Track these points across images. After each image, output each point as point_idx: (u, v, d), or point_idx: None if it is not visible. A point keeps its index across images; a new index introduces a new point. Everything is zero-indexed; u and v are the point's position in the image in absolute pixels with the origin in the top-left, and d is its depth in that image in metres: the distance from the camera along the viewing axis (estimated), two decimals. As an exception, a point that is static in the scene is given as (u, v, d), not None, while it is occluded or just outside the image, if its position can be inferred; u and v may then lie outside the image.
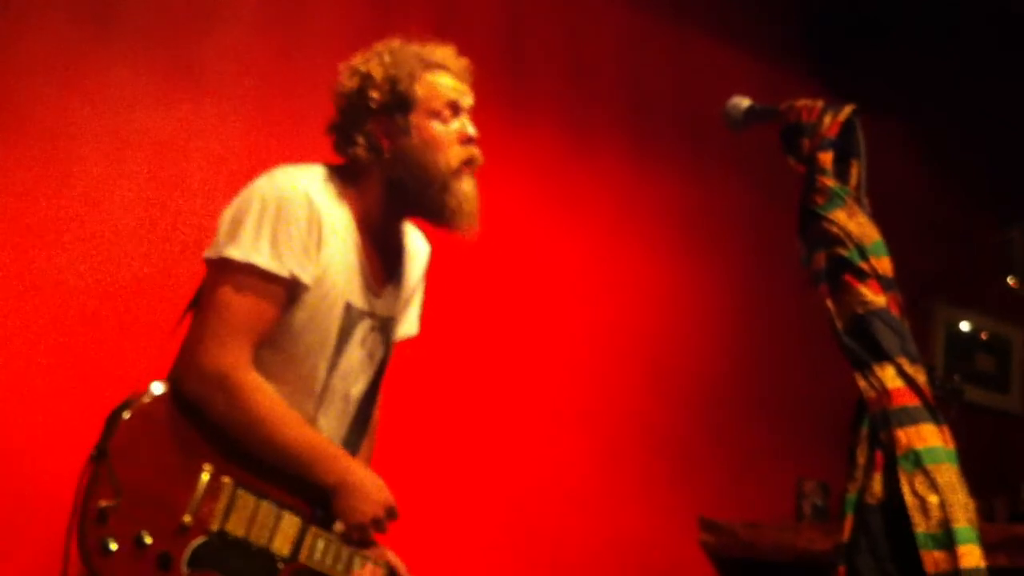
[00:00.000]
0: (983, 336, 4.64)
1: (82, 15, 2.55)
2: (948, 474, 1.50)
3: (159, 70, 2.65)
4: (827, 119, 1.70)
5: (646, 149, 3.70)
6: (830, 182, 1.67)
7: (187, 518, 1.78)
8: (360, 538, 1.97)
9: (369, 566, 2.01)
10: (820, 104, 1.72)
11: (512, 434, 3.16)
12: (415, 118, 2.03)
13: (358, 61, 2.07)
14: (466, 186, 2.06)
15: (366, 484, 1.96)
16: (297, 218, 1.89)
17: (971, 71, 4.51)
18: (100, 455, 1.72)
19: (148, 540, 1.73)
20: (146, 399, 1.80)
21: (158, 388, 1.83)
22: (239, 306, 1.87)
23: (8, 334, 2.35)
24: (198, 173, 2.62)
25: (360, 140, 2.03)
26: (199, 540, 1.79)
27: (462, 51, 2.16)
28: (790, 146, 1.74)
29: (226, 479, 1.83)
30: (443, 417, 3.05)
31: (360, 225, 2.03)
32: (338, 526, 1.95)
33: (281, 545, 1.89)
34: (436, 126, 2.05)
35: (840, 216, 1.66)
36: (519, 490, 3.16)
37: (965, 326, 4.57)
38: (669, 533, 3.47)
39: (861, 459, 1.57)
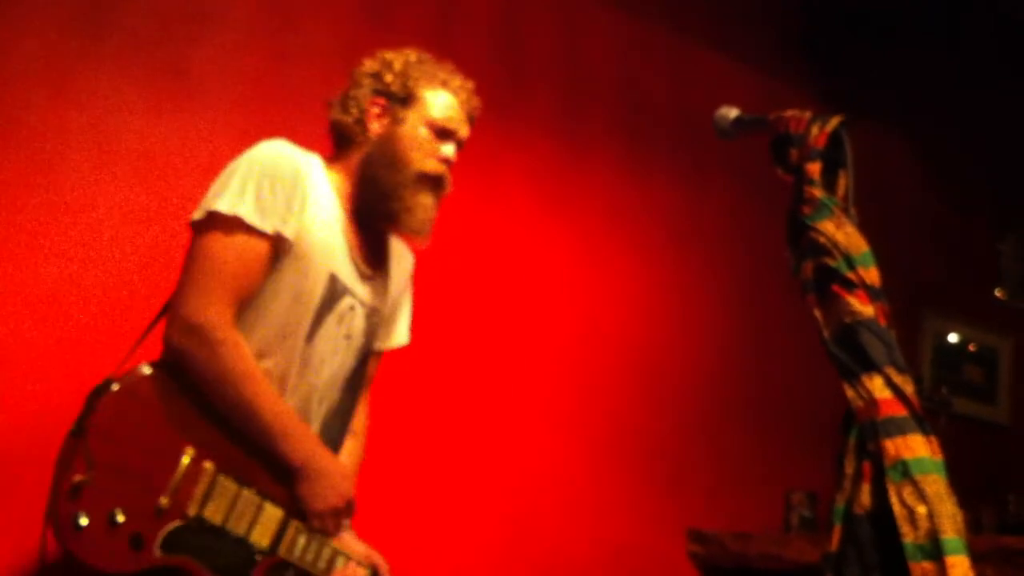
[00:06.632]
0: (971, 347, 4.65)
1: (73, 21, 2.54)
2: (936, 485, 1.50)
3: (149, 76, 2.65)
4: (815, 130, 1.70)
5: (640, 155, 3.71)
6: (818, 192, 1.67)
7: (164, 500, 1.74)
8: (320, 527, 1.93)
9: (352, 566, 1.99)
10: (808, 115, 1.73)
11: (502, 441, 3.16)
12: (411, 115, 2.08)
13: (384, 53, 2.14)
14: (427, 197, 2.08)
15: (332, 471, 1.93)
16: (283, 175, 1.92)
17: (967, 79, 4.53)
18: (78, 431, 1.69)
19: (121, 519, 1.69)
20: (130, 378, 1.76)
21: (145, 369, 1.80)
22: (224, 257, 1.86)
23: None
24: (186, 180, 2.61)
25: (354, 110, 2.09)
26: (174, 524, 1.76)
27: (457, 58, 2.18)
28: (778, 156, 1.75)
29: (207, 464, 1.80)
30: (433, 422, 3.05)
31: (344, 204, 2.06)
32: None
33: (260, 536, 1.85)
34: (425, 132, 2.09)
35: (828, 226, 1.66)
36: (508, 497, 3.15)
37: (953, 337, 4.58)
38: (658, 543, 3.46)
39: (849, 469, 1.57)
